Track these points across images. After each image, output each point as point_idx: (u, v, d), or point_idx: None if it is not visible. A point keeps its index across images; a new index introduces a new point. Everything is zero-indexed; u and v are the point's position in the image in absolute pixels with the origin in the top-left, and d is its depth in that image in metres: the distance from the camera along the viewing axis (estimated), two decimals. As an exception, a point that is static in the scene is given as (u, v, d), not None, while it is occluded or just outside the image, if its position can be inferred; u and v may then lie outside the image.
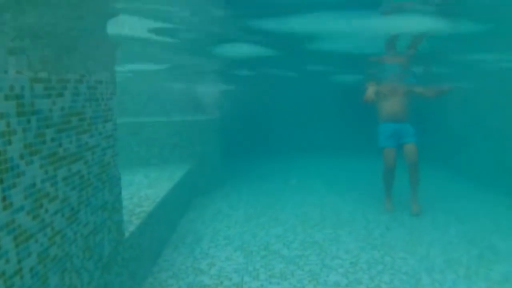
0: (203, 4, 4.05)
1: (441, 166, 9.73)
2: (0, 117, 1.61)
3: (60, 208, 2.17)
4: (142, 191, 5.02)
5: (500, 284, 4.03)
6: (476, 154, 8.22)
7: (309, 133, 12.50)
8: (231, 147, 11.32)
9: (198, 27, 4.78)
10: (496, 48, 5.86)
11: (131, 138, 6.33)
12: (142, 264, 3.91)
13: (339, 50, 6.18)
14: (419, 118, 10.04)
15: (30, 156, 1.85)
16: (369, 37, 5.25)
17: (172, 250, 4.82)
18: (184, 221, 5.83)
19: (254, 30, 4.88)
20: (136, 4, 3.60)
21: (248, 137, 11.89)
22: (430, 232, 5.45)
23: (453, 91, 6.25)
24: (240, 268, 4.31)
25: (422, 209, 6.29)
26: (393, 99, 6.21)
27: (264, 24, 4.57)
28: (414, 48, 6.00)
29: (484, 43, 5.72)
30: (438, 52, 6.50)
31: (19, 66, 1.78)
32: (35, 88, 1.91)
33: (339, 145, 12.46)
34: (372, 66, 6.93)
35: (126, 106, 7.03)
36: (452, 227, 5.65)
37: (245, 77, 9.52)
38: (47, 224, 2.01)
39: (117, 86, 3.54)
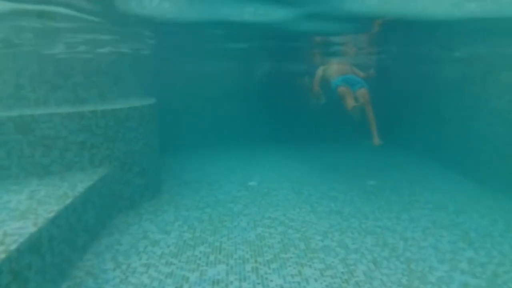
0: None
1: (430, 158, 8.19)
2: None
3: None
4: (5, 225, 3.24)
5: None
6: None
7: (275, 121, 10.72)
8: (174, 140, 9.50)
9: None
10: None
11: (22, 137, 4.50)
12: None
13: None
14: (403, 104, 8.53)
15: None
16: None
17: (49, 315, 3.08)
18: (90, 255, 4.08)
19: None
20: None
21: (197, 127, 10.00)
22: (435, 265, 3.83)
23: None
24: None
25: (419, 225, 4.73)
26: (340, 64, 7.25)
27: None
28: None
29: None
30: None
31: None
32: None
33: (312, 134, 10.81)
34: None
35: (23, 94, 5.16)
36: (465, 254, 4.05)
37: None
38: None
39: None
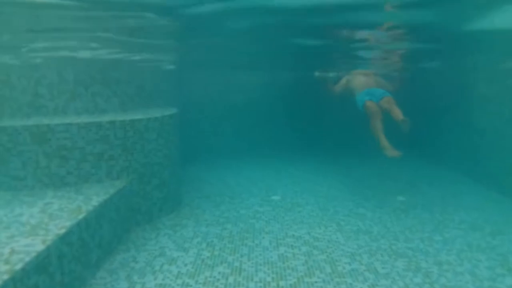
0: None
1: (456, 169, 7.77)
2: None
3: None
4: (14, 241, 3.08)
5: None
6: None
7: (299, 132, 10.45)
8: (196, 151, 9.33)
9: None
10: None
11: (37, 148, 4.37)
12: None
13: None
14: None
15: None
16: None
17: None
18: (103, 272, 3.89)
19: None
20: None
21: (220, 137, 9.81)
22: (473, 282, 3.50)
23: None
24: None
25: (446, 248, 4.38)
26: (366, 76, 7.13)
27: None
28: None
29: None
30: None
31: None
32: None
33: (338, 147, 10.50)
34: None
35: (42, 103, 5.04)
36: (505, 281, 3.69)
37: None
38: None
39: None
